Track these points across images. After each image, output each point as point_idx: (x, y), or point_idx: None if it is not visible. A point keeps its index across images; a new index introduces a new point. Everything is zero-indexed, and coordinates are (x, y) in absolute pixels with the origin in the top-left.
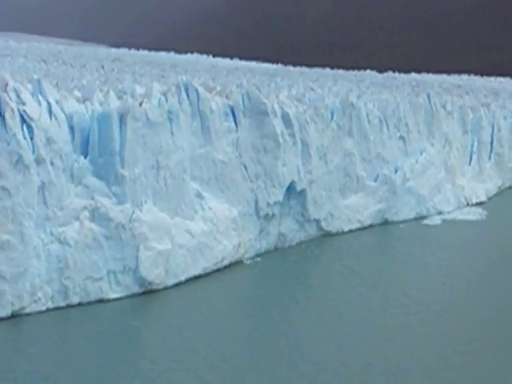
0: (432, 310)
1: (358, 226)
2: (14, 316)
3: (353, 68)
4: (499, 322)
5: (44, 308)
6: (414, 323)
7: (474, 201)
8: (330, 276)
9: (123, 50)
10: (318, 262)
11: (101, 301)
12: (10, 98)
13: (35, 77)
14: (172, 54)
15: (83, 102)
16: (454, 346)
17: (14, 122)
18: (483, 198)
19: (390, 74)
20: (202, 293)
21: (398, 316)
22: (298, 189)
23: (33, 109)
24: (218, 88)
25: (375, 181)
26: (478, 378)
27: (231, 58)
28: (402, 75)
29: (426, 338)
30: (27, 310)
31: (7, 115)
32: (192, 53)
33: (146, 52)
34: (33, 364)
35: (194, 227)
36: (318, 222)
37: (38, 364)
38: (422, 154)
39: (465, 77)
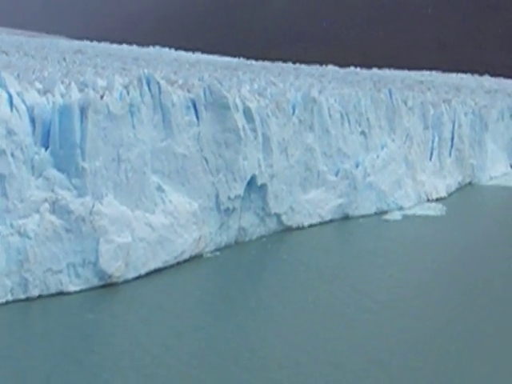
0: (389, 306)
1: (318, 220)
2: None
3: (315, 63)
4: (456, 318)
5: (3, 300)
6: (370, 319)
7: (434, 196)
8: (290, 271)
9: (85, 43)
10: (278, 256)
11: (61, 293)
12: None
13: None
14: (134, 46)
15: (44, 93)
16: (410, 343)
17: None
18: (443, 194)
19: (351, 69)
20: (162, 286)
21: (354, 311)
22: (259, 183)
23: None
24: (180, 81)
25: (336, 175)
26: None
27: (193, 51)
28: (364, 70)
29: (379, 334)
30: None
31: None
32: (154, 46)
33: (107, 44)
34: None
35: (155, 220)
36: (278, 216)
37: None
38: (382, 149)
39: (426, 73)
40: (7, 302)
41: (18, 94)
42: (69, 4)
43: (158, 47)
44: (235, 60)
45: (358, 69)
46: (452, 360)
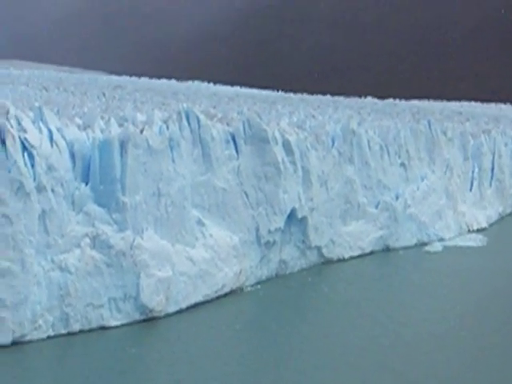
0: (430, 340)
1: (359, 252)
2: (15, 343)
3: (354, 95)
4: (497, 356)
5: (45, 335)
6: (411, 353)
7: (475, 227)
8: (332, 305)
9: (124, 78)
10: (319, 290)
11: (102, 328)
12: (12, 126)
13: (36, 104)
14: (173, 81)
15: (84, 129)
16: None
17: (15, 149)
18: (484, 225)
19: (390, 100)
20: (204, 320)
21: (395, 346)
22: (299, 216)
23: (34, 136)
24: (219, 115)
25: (376, 207)
26: None
27: (232, 85)
28: (403, 102)
29: (425, 369)
30: (28, 338)
31: (8, 142)
32: (193, 80)
33: (146, 79)
34: None
35: (195, 254)
36: (319, 249)
37: None
38: (423, 180)
39: (465, 103)
40: (49, 337)
41: (58, 129)
42: (108, 40)
43: (197, 82)
44: (274, 93)
45: (397, 100)
46: None
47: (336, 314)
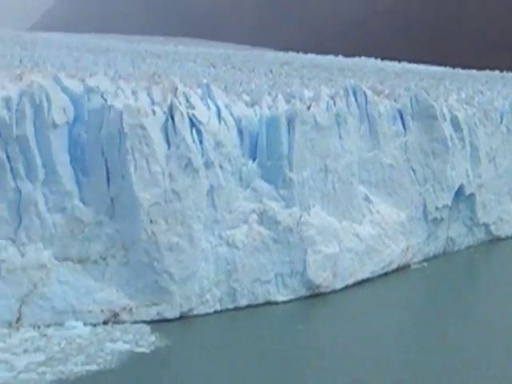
0: None
1: None
2: (183, 317)
3: None
4: None
5: (212, 310)
6: None
7: None
8: (501, 283)
9: (291, 54)
10: (488, 267)
11: (268, 303)
12: (180, 103)
13: (204, 81)
14: (340, 57)
15: (252, 105)
16: None
17: (183, 126)
18: None
19: None
20: (370, 297)
21: None
22: (467, 193)
23: (202, 113)
24: (386, 91)
25: None
26: None
27: (399, 61)
28: None
29: None
30: (195, 312)
31: (177, 119)
32: (359, 56)
33: (313, 56)
34: (202, 363)
35: (362, 231)
36: (486, 226)
37: (206, 364)
38: None
39: None
40: (215, 312)
41: (226, 106)
42: (274, 17)
43: (363, 57)
44: (441, 69)
45: None
46: None
47: (507, 293)
